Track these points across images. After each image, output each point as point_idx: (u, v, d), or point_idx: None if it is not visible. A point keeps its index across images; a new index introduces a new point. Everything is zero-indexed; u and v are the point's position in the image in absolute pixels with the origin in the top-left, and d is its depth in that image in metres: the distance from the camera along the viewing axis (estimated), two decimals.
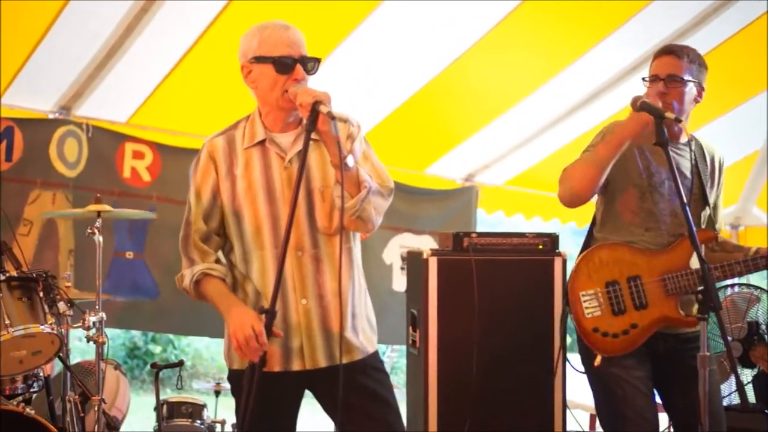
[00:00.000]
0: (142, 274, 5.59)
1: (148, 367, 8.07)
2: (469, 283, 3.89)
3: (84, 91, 5.13)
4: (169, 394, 5.89)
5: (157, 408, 4.37)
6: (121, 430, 4.51)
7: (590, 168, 3.22)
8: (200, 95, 5.34)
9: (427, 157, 6.57)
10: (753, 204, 6.21)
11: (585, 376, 3.42)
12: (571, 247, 4.38)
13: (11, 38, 4.54)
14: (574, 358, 3.61)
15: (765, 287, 4.01)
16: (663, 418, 3.37)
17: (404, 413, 3.35)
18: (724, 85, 5.61)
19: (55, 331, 3.63)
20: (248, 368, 2.48)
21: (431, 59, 5.47)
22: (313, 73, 2.74)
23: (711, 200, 3.35)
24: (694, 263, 3.20)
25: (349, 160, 2.61)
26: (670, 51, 3.25)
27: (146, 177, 5.60)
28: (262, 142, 2.76)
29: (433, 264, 3.98)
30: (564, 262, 4.01)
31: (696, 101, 3.27)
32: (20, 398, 3.77)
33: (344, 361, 2.72)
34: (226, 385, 4.90)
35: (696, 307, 2.93)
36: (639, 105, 3.02)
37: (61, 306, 3.75)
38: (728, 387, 3.97)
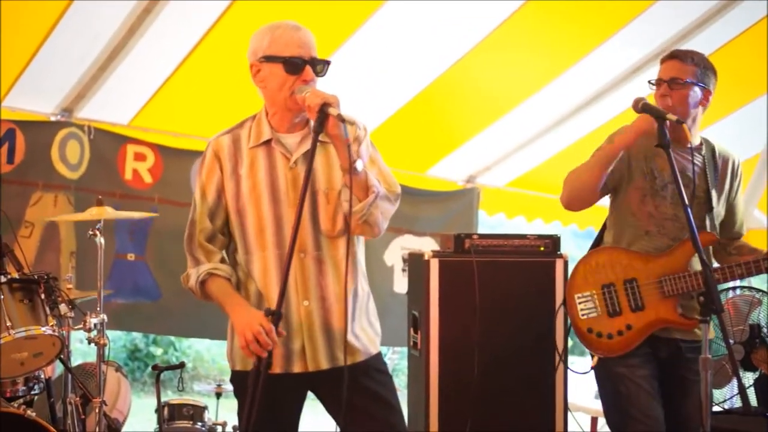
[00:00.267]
0: (143, 276, 5.59)
1: (149, 369, 8.07)
2: (471, 285, 3.89)
3: (86, 93, 5.13)
4: (170, 396, 5.89)
5: (158, 410, 4.37)
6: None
7: (587, 172, 3.26)
8: (202, 97, 5.34)
9: (429, 159, 6.57)
10: (754, 207, 6.21)
11: (585, 378, 3.43)
12: (572, 248, 4.38)
13: (13, 41, 4.54)
14: (576, 361, 3.61)
15: (767, 290, 4.00)
16: None
17: (405, 415, 3.35)
18: (724, 87, 5.58)
19: (56, 333, 3.63)
20: (253, 370, 2.47)
21: (433, 61, 5.47)
22: (322, 76, 2.74)
23: (720, 204, 3.35)
24: (695, 266, 3.20)
25: (359, 164, 2.61)
26: (674, 55, 3.29)
27: (148, 179, 5.60)
28: (267, 142, 2.75)
29: (434, 265, 3.98)
30: (565, 263, 4.01)
31: (702, 105, 3.28)
32: (21, 400, 3.78)
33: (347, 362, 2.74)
34: (227, 387, 4.90)
35: (694, 303, 2.96)
36: (641, 106, 3.04)
37: (63, 308, 3.75)
38: (730, 390, 3.97)
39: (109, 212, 4.13)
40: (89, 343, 3.97)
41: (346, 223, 2.71)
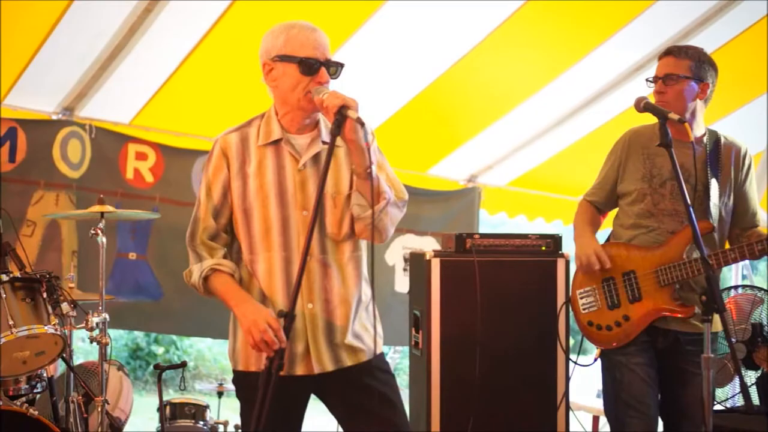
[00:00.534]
0: (145, 275, 5.60)
1: (151, 367, 8.09)
2: (472, 285, 3.89)
3: (87, 92, 5.13)
4: (172, 395, 5.90)
5: (160, 409, 4.37)
6: (124, 430, 4.51)
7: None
8: (203, 96, 5.34)
9: (430, 158, 6.57)
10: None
11: (586, 377, 3.46)
12: (573, 248, 4.38)
13: (14, 40, 4.54)
14: (579, 359, 3.62)
15: None
16: None
17: (407, 414, 3.35)
18: (725, 87, 5.58)
19: (58, 332, 3.64)
20: (263, 372, 2.44)
21: (434, 60, 5.47)
22: (335, 78, 2.71)
23: (726, 194, 3.36)
24: (693, 256, 3.23)
25: (373, 170, 2.59)
26: (668, 52, 3.36)
27: (149, 178, 5.60)
28: (277, 142, 2.73)
29: (435, 265, 3.98)
30: (567, 263, 4.01)
31: (700, 98, 3.30)
32: (24, 399, 3.78)
33: (350, 362, 2.73)
34: (229, 386, 4.90)
35: (695, 297, 3.06)
36: (642, 106, 3.08)
37: (65, 307, 3.75)
38: (732, 389, 3.97)
39: (110, 211, 4.13)
40: (91, 342, 3.97)
41: (353, 228, 2.71)
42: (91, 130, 5.34)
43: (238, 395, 2.84)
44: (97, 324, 3.92)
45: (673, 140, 3.13)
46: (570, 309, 3.60)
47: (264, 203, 2.70)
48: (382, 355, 2.86)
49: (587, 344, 3.56)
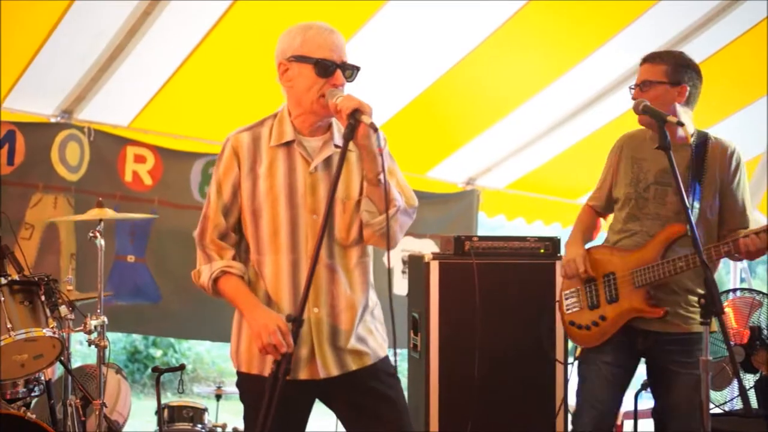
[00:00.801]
0: (143, 278, 5.59)
1: (149, 370, 8.07)
2: (471, 287, 3.90)
3: (86, 94, 5.13)
4: (170, 398, 5.88)
5: (159, 412, 4.36)
6: None
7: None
8: (202, 99, 5.34)
9: (429, 161, 6.57)
10: (754, 209, 6.20)
11: None
12: None
13: (13, 43, 4.54)
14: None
15: (767, 292, 4.00)
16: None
17: None
18: (725, 89, 5.60)
19: (56, 335, 3.63)
20: (270, 376, 2.43)
21: (432, 63, 5.47)
22: (351, 81, 2.69)
23: (712, 196, 3.36)
24: (672, 256, 3.27)
25: (382, 176, 2.57)
26: (645, 59, 3.44)
27: (148, 181, 5.60)
28: (289, 143, 2.70)
29: (434, 268, 3.99)
30: None
31: (679, 101, 3.34)
32: (21, 402, 3.78)
33: (355, 366, 2.72)
34: (227, 389, 4.90)
35: (676, 299, 3.18)
36: (642, 108, 3.14)
37: (63, 310, 3.75)
38: (731, 392, 3.97)
39: (109, 214, 4.13)
40: (89, 345, 3.97)
41: (361, 233, 2.69)
42: (89, 133, 5.34)
43: (241, 398, 2.82)
44: (95, 327, 3.92)
45: (656, 143, 3.23)
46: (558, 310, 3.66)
47: (273, 205, 2.67)
48: (387, 358, 2.84)
49: None
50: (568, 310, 3.52)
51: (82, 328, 3.88)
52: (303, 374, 2.69)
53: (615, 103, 5.86)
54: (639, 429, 3.91)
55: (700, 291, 3.22)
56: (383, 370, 2.79)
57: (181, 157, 5.68)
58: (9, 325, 3.50)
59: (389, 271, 2.59)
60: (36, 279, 3.71)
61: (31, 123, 5.19)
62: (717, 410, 3.91)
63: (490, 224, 7.79)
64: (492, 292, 3.95)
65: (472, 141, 6.34)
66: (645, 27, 5.25)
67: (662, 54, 3.42)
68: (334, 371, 2.70)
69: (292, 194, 2.68)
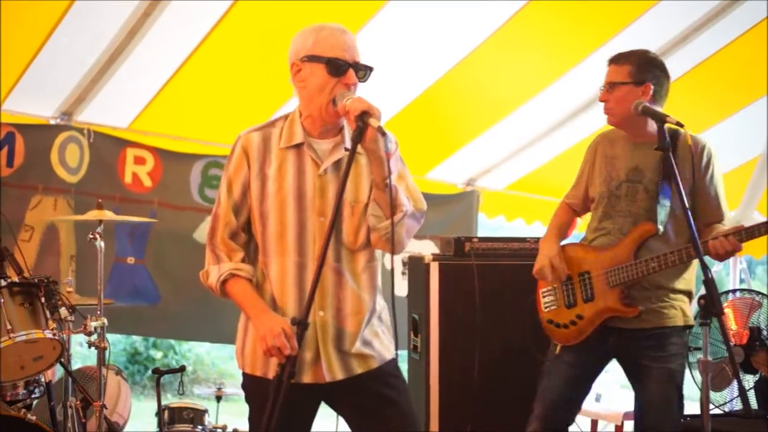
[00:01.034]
0: (143, 280, 5.59)
1: (149, 372, 8.07)
2: (471, 288, 3.90)
3: (85, 96, 5.13)
4: (170, 400, 5.89)
5: (159, 413, 4.37)
6: None
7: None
8: (202, 101, 5.34)
9: (428, 162, 6.57)
10: (753, 209, 6.20)
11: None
12: None
13: (12, 44, 4.54)
14: None
15: (767, 293, 4.00)
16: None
17: None
18: (724, 89, 5.60)
19: (56, 337, 3.63)
20: (274, 379, 2.42)
21: (432, 64, 5.47)
22: (363, 81, 2.69)
23: (686, 193, 3.34)
24: (639, 256, 3.31)
25: (390, 181, 2.55)
26: (610, 60, 3.48)
27: (147, 182, 5.60)
28: (299, 145, 2.69)
29: (434, 269, 3.99)
30: None
31: (644, 100, 3.33)
32: (21, 404, 3.78)
33: (361, 370, 2.71)
34: (228, 391, 4.91)
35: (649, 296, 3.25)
36: (641, 109, 3.18)
37: (63, 311, 3.74)
38: (730, 393, 3.97)
39: (108, 215, 4.13)
40: (89, 346, 3.97)
41: (369, 237, 2.68)
42: (89, 135, 5.34)
43: (246, 399, 2.81)
44: (95, 328, 3.91)
45: (628, 141, 3.38)
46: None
47: (281, 206, 2.67)
48: (393, 360, 2.82)
49: None
50: (545, 308, 3.54)
51: (82, 329, 3.88)
52: (307, 378, 2.68)
53: None
54: None
55: (672, 287, 3.33)
56: (389, 372, 2.77)
57: (181, 159, 5.68)
58: (9, 327, 3.50)
59: (391, 273, 2.59)
60: (36, 281, 3.71)
61: (30, 125, 5.19)
62: (717, 411, 3.91)
63: (490, 225, 7.80)
64: (492, 293, 3.95)
65: (472, 142, 6.34)
66: (645, 27, 5.25)
67: (627, 54, 3.44)
68: (339, 375, 2.68)
69: (301, 197, 2.67)
